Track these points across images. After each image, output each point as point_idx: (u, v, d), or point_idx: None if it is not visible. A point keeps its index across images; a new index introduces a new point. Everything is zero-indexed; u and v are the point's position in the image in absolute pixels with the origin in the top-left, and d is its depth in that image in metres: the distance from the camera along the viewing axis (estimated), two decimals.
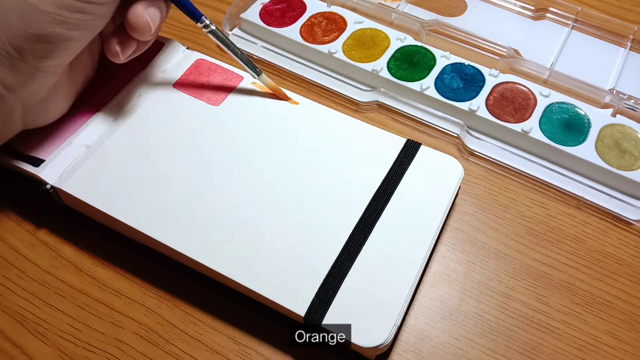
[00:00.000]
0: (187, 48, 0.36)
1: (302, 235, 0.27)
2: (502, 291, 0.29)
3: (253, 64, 0.31)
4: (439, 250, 0.30)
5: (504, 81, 0.36)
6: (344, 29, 0.39)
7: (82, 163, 0.29)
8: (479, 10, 0.42)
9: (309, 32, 0.39)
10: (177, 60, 0.35)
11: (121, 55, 0.28)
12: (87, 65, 0.31)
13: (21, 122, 0.28)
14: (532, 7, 0.42)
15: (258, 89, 0.33)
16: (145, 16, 0.27)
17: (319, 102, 0.33)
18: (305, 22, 0.39)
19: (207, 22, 0.30)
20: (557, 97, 0.35)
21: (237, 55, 0.31)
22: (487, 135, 0.35)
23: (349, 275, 0.26)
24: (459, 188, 0.31)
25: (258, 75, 0.32)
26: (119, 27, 0.28)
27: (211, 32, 0.30)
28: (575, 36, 0.40)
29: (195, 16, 0.30)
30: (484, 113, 0.34)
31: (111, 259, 0.29)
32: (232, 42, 0.31)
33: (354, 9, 0.41)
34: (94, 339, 0.27)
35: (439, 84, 0.36)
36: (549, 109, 0.35)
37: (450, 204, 0.29)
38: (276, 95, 0.33)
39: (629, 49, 0.40)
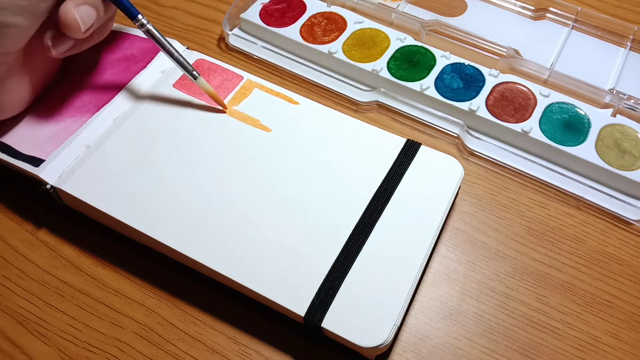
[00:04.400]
0: (187, 48, 0.36)
1: (302, 235, 0.27)
2: (502, 291, 0.29)
3: (189, 66, 0.31)
4: (439, 250, 0.30)
5: (504, 81, 0.36)
6: (344, 29, 0.39)
7: (82, 163, 0.29)
8: (479, 10, 0.42)
9: (309, 32, 0.39)
10: None
11: (52, 50, 0.28)
12: (46, 58, 0.30)
13: None
14: (532, 7, 0.42)
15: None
16: (74, 14, 0.27)
17: (319, 102, 0.33)
18: (305, 22, 0.39)
19: (144, 21, 0.30)
20: (557, 97, 0.35)
21: (172, 57, 0.31)
22: (487, 135, 0.35)
23: (349, 275, 0.26)
24: (459, 188, 0.31)
25: (195, 79, 0.31)
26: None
27: (147, 31, 0.30)
28: (575, 36, 0.40)
29: (132, 14, 0.30)
30: (484, 113, 0.34)
31: (111, 259, 0.29)
32: (168, 43, 0.31)
33: (354, 9, 0.41)
34: (94, 339, 0.27)
35: (439, 84, 0.36)
36: (549, 109, 0.35)
37: (450, 204, 0.29)
38: (214, 100, 0.32)
39: (629, 49, 0.40)
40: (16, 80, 0.29)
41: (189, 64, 0.31)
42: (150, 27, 0.30)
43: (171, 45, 0.31)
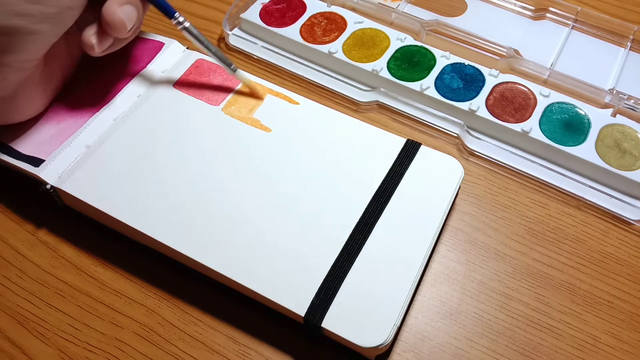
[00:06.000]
0: (187, 48, 0.36)
1: (302, 235, 0.27)
2: (502, 291, 0.29)
3: (228, 60, 0.32)
4: (439, 250, 0.30)
5: (504, 81, 0.36)
6: (344, 29, 0.39)
7: (82, 163, 0.29)
8: (479, 10, 0.42)
9: (309, 32, 0.39)
10: (177, 60, 0.35)
11: (97, 47, 0.28)
12: (65, 62, 0.30)
13: None
14: (532, 7, 0.42)
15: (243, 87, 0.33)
16: (120, 14, 0.27)
17: (319, 102, 0.33)
18: (305, 22, 0.39)
19: (181, 19, 0.30)
20: (557, 97, 0.35)
21: (211, 51, 0.31)
22: (487, 135, 0.35)
23: (349, 275, 0.26)
24: (459, 188, 0.31)
25: (234, 72, 0.32)
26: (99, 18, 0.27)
27: (184, 29, 0.31)
28: (575, 36, 0.40)
29: (169, 13, 0.30)
30: (484, 113, 0.34)
31: (111, 259, 0.29)
32: (206, 39, 0.31)
33: (354, 9, 0.41)
34: (94, 339, 0.27)
35: (439, 84, 0.36)
36: (549, 109, 0.35)
37: (450, 204, 0.29)
38: (253, 93, 0.33)
39: (629, 49, 0.40)
40: (33, 86, 0.28)
41: (227, 59, 0.32)
42: (188, 25, 0.30)
43: (209, 41, 0.31)
